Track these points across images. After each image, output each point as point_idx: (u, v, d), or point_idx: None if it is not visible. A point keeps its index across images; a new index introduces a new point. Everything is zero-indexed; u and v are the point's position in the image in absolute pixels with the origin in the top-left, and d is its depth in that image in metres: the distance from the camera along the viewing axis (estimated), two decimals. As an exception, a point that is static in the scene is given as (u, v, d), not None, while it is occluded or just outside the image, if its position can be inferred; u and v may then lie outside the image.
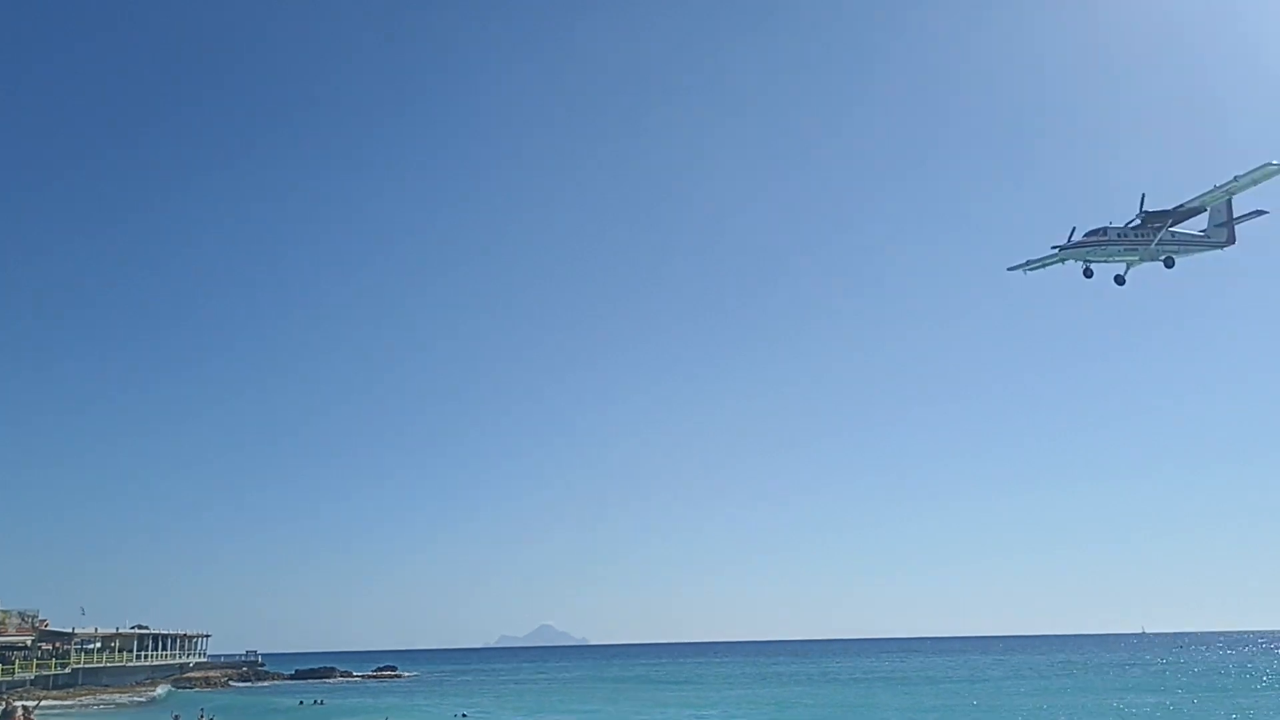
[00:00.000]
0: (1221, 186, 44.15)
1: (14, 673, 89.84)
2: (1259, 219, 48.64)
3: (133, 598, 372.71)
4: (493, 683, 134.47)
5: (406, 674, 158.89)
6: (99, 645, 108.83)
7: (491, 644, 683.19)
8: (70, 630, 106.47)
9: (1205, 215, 48.54)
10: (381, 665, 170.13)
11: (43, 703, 42.61)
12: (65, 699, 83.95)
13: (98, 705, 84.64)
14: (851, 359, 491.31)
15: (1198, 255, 49.61)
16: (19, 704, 18.23)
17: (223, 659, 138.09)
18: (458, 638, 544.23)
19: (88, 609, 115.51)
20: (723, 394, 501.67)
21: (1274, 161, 41.81)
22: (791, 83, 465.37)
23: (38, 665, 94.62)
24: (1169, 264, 47.82)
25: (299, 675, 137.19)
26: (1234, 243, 49.23)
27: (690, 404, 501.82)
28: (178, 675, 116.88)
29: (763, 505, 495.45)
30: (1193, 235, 48.62)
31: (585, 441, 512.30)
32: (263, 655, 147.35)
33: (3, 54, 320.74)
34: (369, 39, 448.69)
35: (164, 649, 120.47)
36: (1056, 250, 47.87)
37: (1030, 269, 48.95)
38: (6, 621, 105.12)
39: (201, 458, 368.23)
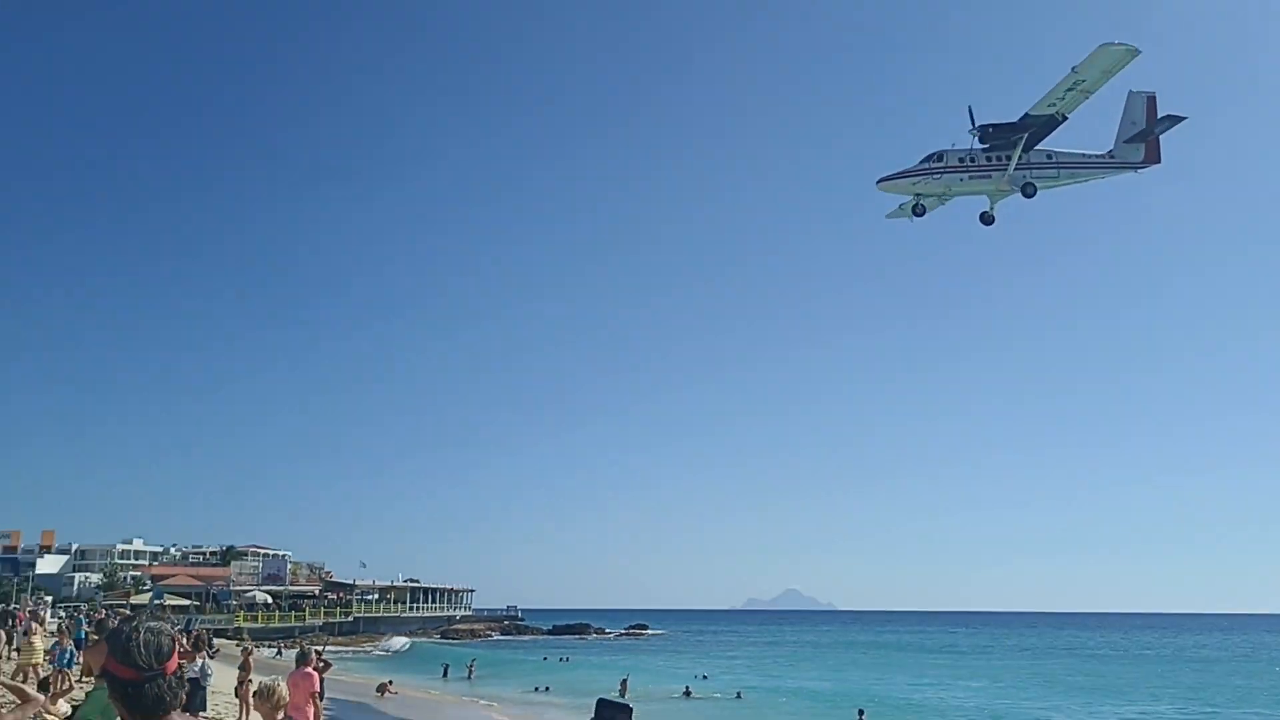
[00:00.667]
0: (1061, 85, 34.16)
1: (305, 619, 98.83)
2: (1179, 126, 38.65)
3: (406, 553, 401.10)
4: (738, 644, 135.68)
5: (655, 633, 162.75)
6: (377, 597, 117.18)
7: (738, 606, 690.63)
8: (352, 582, 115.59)
9: (1115, 130, 39.01)
10: (632, 624, 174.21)
11: (328, 647, 46.94)
12: (348, 645, 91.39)
13: (376, 651, 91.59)
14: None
15: (1100, 180, 39.37)
16: (313, 647, 20.74)
17: (485, 613, 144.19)
18: (705, 599, 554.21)
19: (368, 563, 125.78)
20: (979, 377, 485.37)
21: (1113, 42, 32.35)
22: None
23: (325, 613, 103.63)
24: (1029, 193, 37.81)
25: (555, 631, 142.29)
26: (1158, 161, 38.76)
27: (946, 382, 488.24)
28: (445, 627, 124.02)
29: (1014, 481, 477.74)
30: (1079, 156, 38.83)
31: (837, 411, 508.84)
32: (522, 610, 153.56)
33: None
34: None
35: (433, 602, 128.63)
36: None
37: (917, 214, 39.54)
38: (298, 573, 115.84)
39: (464, 427, 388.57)
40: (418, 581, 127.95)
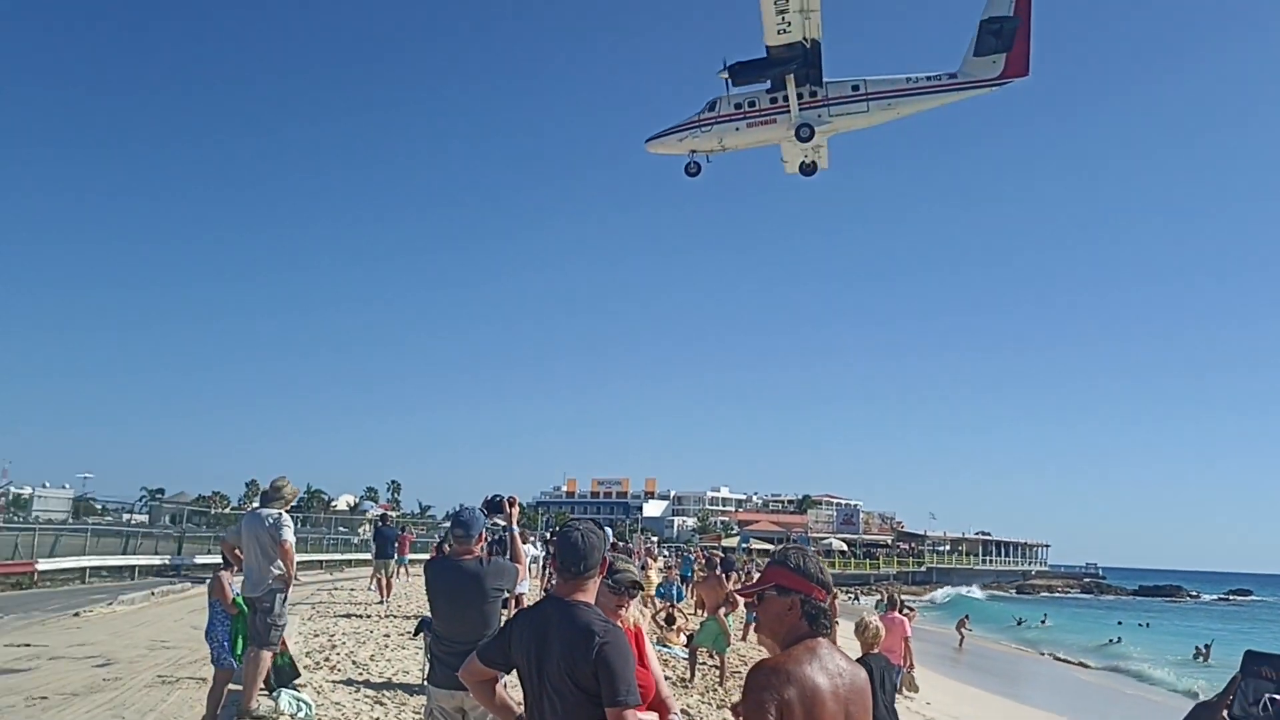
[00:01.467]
0: (768, 8, 27.68)
1: (879, 566, 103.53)
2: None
3: (975, 506, 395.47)
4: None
5: (1261, 599, 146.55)
6: (948, 548, 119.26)
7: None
8: (923, 533, 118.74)
9: (968, 46, 31.00)
10: (1233, 588, 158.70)
11: (901, 595, 49.87)
12: (920, 593, 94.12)
13: (934, 601, 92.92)
14: None
15: (942, 105, 31.68)
16: (897, 595, 23.38)
17: (1062, 569, 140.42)
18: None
19: (938, 515, 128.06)
20: None
21: None
22: None
23: (898, 562, 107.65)
24: (803, 136, 31.02)
25: (1141, 592, 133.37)
26: (1025, 73, 30.83)
27: None
28: (1020, 581, 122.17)
29: None
30: (900, 81, 31.69)
31: None
32: (1104, 569, 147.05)
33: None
34: None
35: (1004, 555, 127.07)
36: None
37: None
38: (870, 522, 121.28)
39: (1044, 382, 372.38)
40: (989, 534, 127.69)
